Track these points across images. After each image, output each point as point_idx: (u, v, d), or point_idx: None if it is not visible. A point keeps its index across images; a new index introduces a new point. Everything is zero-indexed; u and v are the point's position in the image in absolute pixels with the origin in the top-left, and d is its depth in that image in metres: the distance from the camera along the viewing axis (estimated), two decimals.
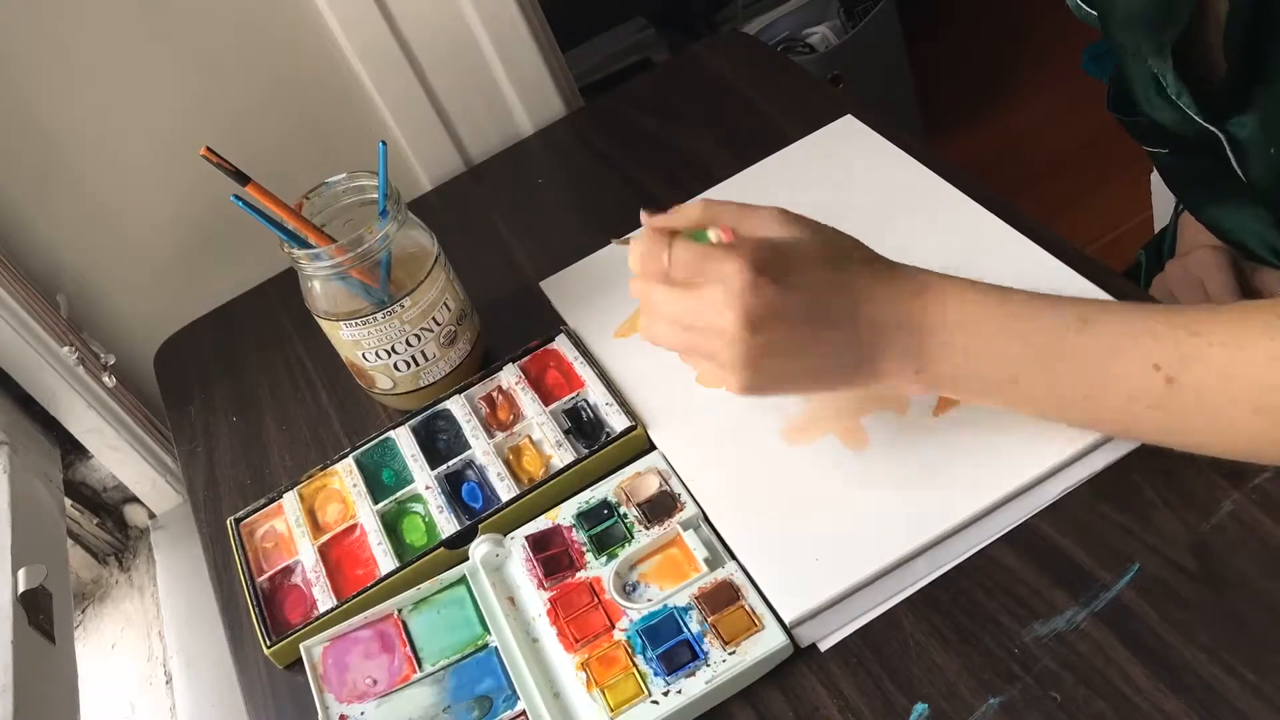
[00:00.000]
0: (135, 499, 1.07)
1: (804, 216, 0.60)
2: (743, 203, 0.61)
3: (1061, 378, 0.57)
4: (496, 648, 0.65)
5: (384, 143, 0.76)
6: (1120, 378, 0.55)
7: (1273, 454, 0.55)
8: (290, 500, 0.77)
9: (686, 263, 0.58)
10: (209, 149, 0.71)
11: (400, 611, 0.68)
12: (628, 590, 0.65)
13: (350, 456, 0.78)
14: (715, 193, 0.88)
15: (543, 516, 0.70)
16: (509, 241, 0.94)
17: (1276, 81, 0.63)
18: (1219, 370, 0.53)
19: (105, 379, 0.97)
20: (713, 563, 0.64)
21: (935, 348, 0.58)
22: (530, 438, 0.76)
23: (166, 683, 0.95)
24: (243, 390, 0.91)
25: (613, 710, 0.60)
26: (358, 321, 0.75)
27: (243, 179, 0.72)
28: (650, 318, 0.62)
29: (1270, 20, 0.61)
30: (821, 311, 0.58)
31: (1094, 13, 0.76)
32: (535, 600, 0.66)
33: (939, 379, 0.59)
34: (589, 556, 0.67)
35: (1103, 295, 0.68)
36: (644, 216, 0.62)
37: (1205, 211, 0.80)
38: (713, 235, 0.59)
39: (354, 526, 0.74)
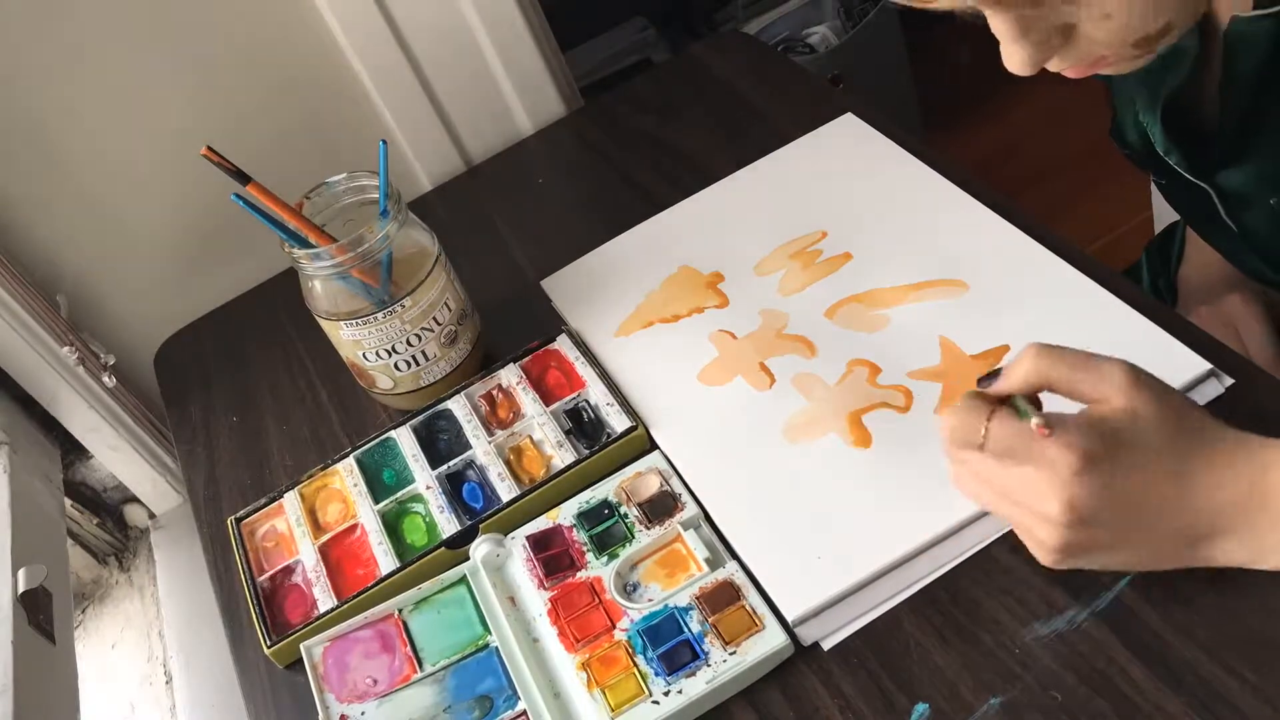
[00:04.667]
0: (135, 499, 1.07)
1: (1152, 379, 0.53)
2: (1083, 353, 0.54)
3: None
4: (497, 648, 0.65)
5: (384, 142, 0.76)
6: None
7: None
8: (291, 500, 0.77)
9: (1006, 442, 0.53)
10: (209, 149, 0.71)
11: (401, 611, 0.68)
12: (628, 590, 0.65)
13: (351, 456, 0.77)
14: (714, 191, 0.88)
15: (543, 516, 0.70)
16: (509, 241, 0.94)
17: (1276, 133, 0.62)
18: None
19: (105, 379, 0.97)
20: (713, 562, 0.64)
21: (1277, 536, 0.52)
22: (531, 438, 0.76)
23: (166, 683, 0.95)
24: (243, 390, 0.91)
25: (613, 710, 0.60)
26: (358, 321, 0.75)
27: (243, 178, 0.72)
28: (965, 476, 0.57)
29: (1273, 74, 0.60)
30: (1151, 501, 0.53)
31: None
32: (536, 600, 0.66)
33: None
34: (589, 556, 0.67)
35: (1104, 295, 0.68)
36: (974, 389, 0.56)
37: (1201, 236, 0.80)
38: (1033, 423, 0.53)
39: (355, 526, 0.74)
